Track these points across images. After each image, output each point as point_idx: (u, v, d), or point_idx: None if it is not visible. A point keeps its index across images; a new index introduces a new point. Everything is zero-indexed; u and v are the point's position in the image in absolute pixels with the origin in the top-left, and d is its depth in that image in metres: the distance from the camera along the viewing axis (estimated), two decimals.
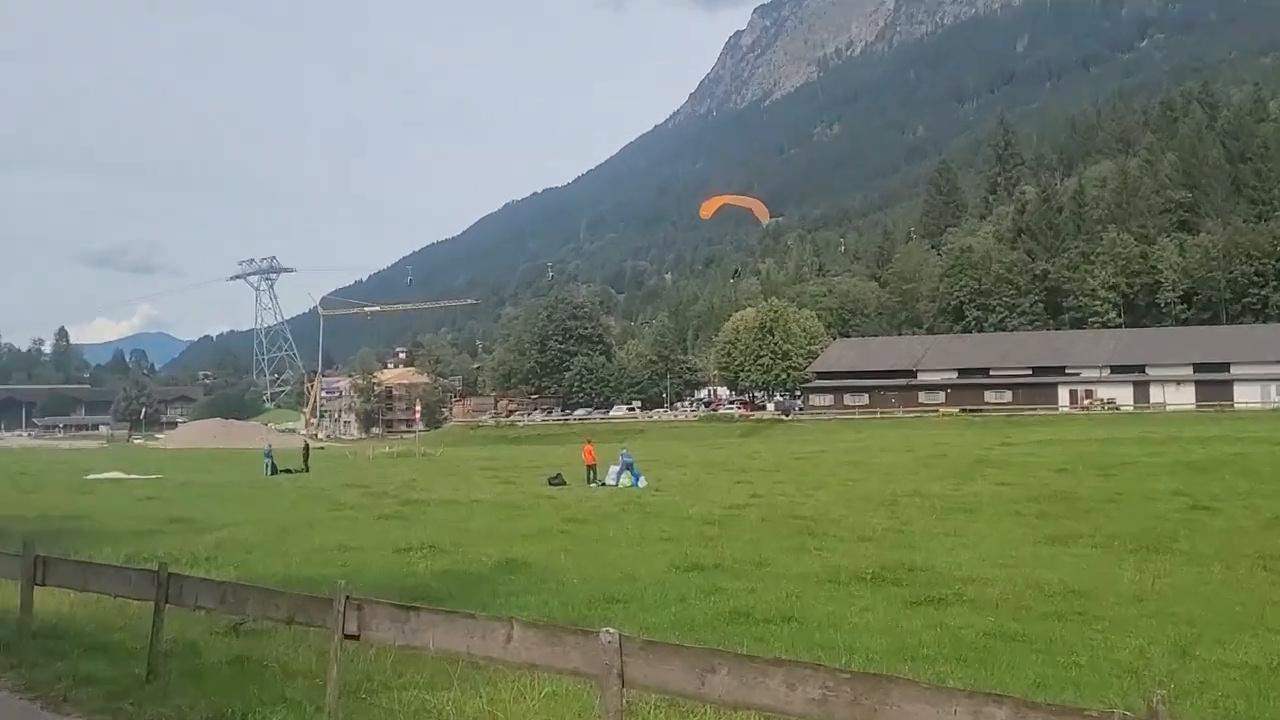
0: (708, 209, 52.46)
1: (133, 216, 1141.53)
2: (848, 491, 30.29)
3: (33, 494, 37.19)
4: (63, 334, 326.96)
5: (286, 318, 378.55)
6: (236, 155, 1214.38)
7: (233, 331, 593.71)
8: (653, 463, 48.44)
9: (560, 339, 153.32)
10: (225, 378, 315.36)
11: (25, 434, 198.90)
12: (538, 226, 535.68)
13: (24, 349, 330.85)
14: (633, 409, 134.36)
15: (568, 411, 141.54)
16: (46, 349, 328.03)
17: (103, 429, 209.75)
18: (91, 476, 48.16)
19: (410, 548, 18.93)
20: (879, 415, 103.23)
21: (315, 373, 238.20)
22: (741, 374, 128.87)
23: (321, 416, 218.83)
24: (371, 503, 30.39)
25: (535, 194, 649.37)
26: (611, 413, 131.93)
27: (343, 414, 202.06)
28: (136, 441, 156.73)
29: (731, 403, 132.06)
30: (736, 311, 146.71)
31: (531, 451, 79.79)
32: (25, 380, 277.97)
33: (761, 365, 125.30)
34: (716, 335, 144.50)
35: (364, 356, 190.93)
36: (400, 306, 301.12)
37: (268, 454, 55.93)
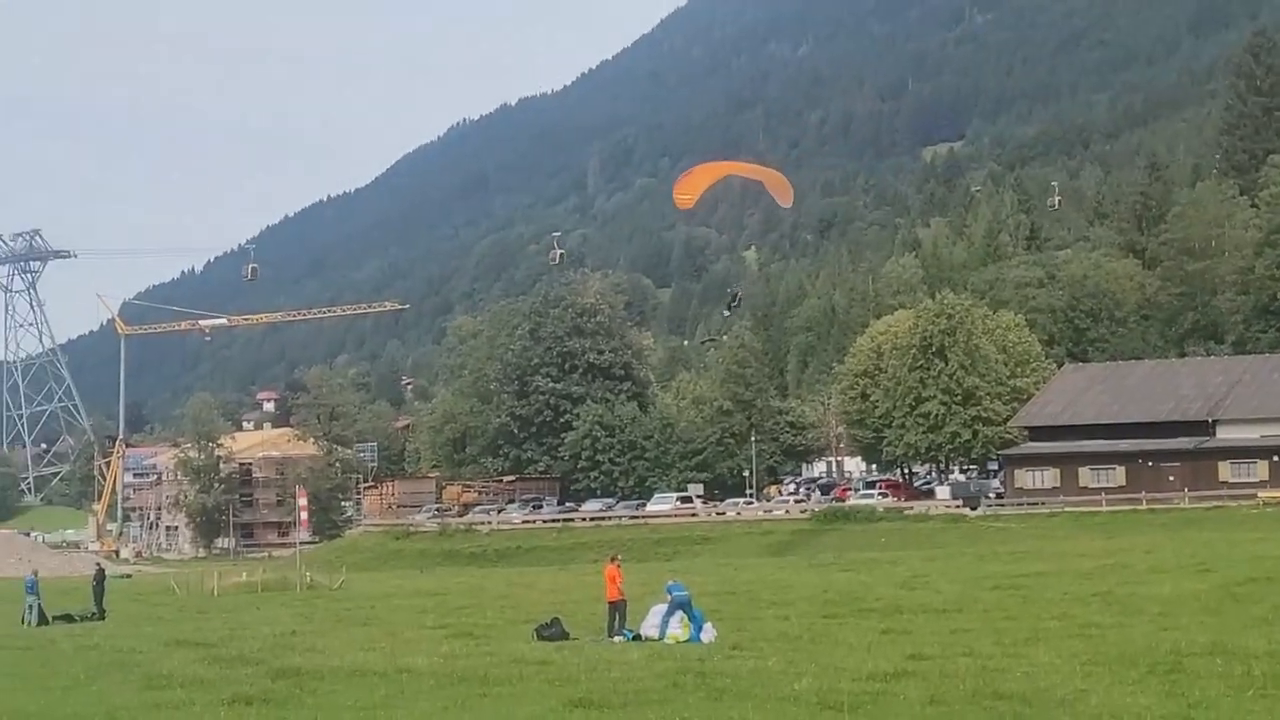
0: (688, 189, 52.51)
1: None
2: (1089, 648, 30.04)
3: None
4: None
5: (60, 341, 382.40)
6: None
7: None
8: (727, 598, 48.22)
9: (555, 371, 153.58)
10: None
11: None
12: (508, 166, 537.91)
13: None
14: (688, 500, 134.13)
15: (570, 505, 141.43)
16: None
17: None
18: None
19: None
20: (1145, 505, 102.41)
21: (114, 439, 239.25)
22: (888, 433, 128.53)
23: (126, 518, 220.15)
24: (219, 675, 30.40)
25: (502, 108, 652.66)
26: (651, 506, 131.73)
27: (164, 512, 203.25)
28: None
29: (871, 485, 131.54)
30: (878, 318, 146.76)
31: (505, 577, 79.79)
32: None
33: (925, 417, 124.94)
34: (841, 363, 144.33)
35: (199, 409, 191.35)
36: (264, 318, 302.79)
37: (31, 587, 56.25)
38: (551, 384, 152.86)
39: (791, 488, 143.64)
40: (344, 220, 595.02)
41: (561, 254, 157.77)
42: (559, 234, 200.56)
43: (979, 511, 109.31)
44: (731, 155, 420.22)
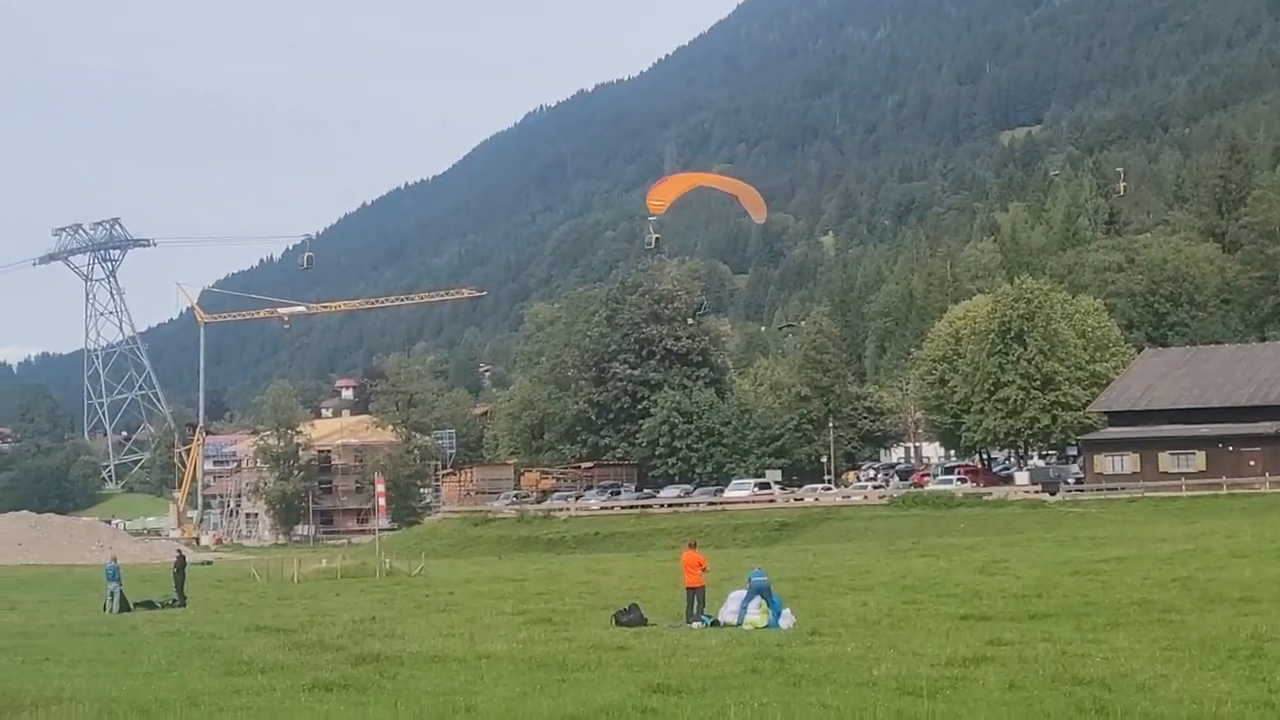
0: (660, 195, 53.99)
1: None
2: (1169, 633, 29.90)
3: None
4: None
5: (140, 329, 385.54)
6: (40, 47, 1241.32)
7: (45, 355, 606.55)
8: (806, 584, 48.18)
9: (632, 357, 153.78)
10: (34, 438, 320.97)
11: None
12: (585, 152, 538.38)
13: None
14: (767, 486, 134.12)
15: (648, 492, 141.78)
16: None
17: None
18: None
19: None
20: (1225, 490, 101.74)
21: (194, 427, 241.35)
22: (967, 418, 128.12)
23: (206, 505, 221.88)
24: (299, 661, 30.63)
25: (579, 95, 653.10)
26: (729, 493, 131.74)
27: (244, 499, 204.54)
28: None
29: (950, 471, 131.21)
30: (956, 303, 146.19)
31: (583, 564, 79.91)
32: None
33: (1004, 402, 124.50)
34: (919, 349, 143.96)
35: (279, 396, 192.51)
36: (342, 305, 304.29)
37: (112, 574, 56.73)
38: (629, 370, 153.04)
39: (870, 474, 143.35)
40: (422, 208, 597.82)
41: (657, 238, 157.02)
42: (655, 219, 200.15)
43: (1058, 497, 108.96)
44: (809, 141, 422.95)
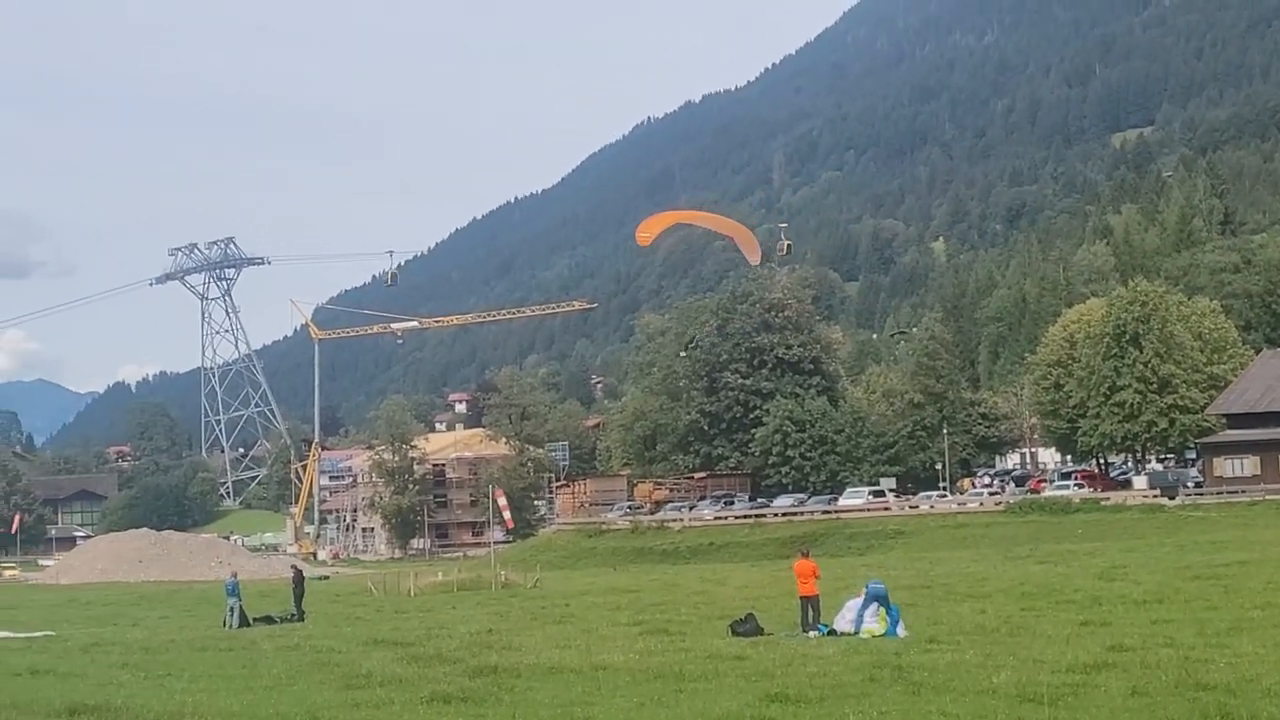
0: (647, 229, 55.08)
1: None
2: None
3: None
4: None
5: (256, 346, 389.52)
6: (163, 68, 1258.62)
7: (163, 374, 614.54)
8: (922, 592, 47.94)
9: (744, 366, 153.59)
10: (153, 456, 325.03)
11: None
12: (693, 162, 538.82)
13: None
14: (881, 494, 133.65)
15: (761, 501, 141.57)
16: None
17: None
18: None
19: None
20: None
21: (310, 443, 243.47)
22: (1083, 423, 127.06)
23: (322, 520, 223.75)
24: (417, 674, 30.84)
25: (686, 105, 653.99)
26: (843, 501, 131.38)
27: (360, 514, 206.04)
28: (8, 573, 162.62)
29: (1066, 476, 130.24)
30: (1070, 307, 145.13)
31: (698, 574, 79.93)
32: None
33: (1120, 406, 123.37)
34: (1033, 353, 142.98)
35: (393, 411, 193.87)
36: (455, 320, 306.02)
37: (232, 589, 57.32)
38: (741, 380, 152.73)
39: (985, 480, 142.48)
40: (532, 221, 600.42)
41: (789, 244, 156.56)
42: (785, 225, 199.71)
43: (1177, 501, 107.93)
44: (918, 146, 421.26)
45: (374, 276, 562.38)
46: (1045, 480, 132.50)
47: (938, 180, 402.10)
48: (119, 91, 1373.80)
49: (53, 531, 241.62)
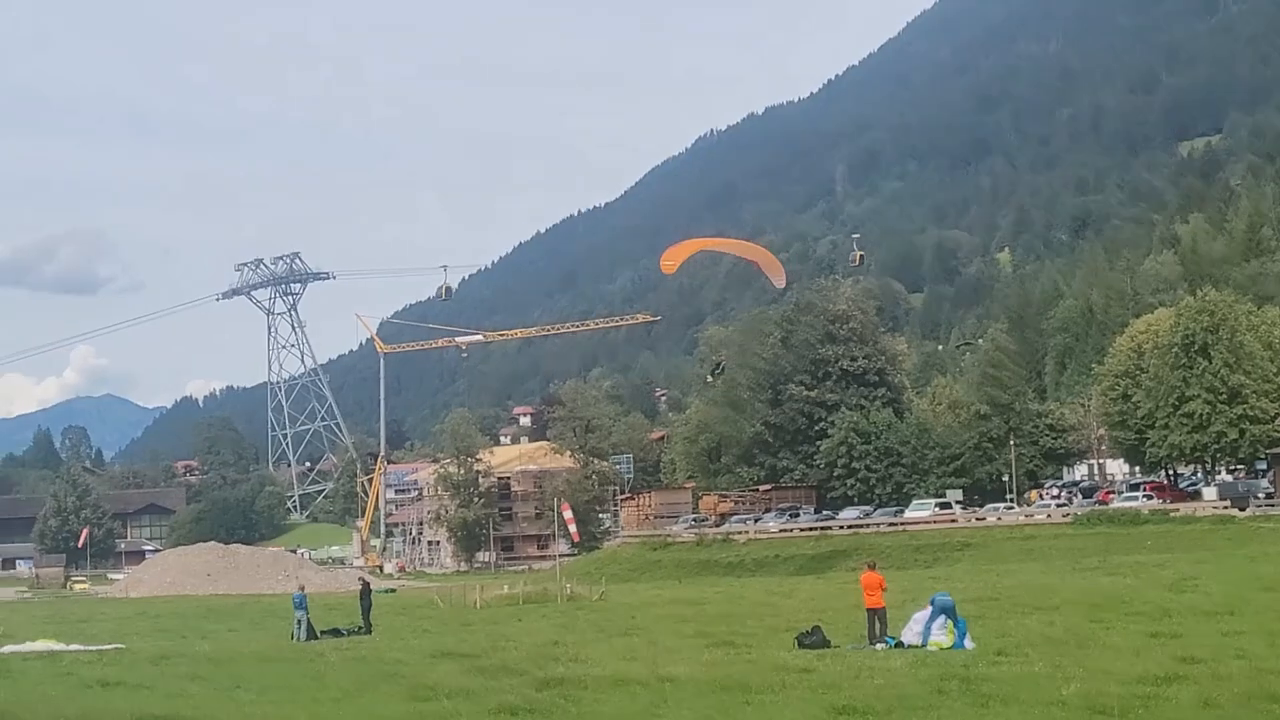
0: (672, 257, 56.14)
1: (51, 194, 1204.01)
2: None
3: None
4: None
5: (321, 361, 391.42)
6: (223, 86, 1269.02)
7: (230, 389, 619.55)
8: (989, 604, 47.77)
9: (808, 378, 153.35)
10: (221, 470, 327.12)
11: None
12: (755, 174, 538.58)
13: None
14: (948, 505, 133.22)
15: (827, 513, 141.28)
16: None
17: (21, 566, 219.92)
18: (7, 650, 50.41)
19: None
20: None
21: (376, 457, 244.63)
22: (1151, 434, 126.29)
23: (388, 534, 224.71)
24: (484, 686, 30.91)
25: (749, 118, 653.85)
26: (909, 513, 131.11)
27: (425, 527, 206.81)
28: (78, 587, 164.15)
29: (1135, 488, 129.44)
30: (1137, 317, 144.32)
31: (763, 587, 79.83)
32: None
33: (1189, 416, 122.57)
34: (1100, 364, 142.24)
35: (458, 424, 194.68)
36: (518, 333, 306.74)
37: (299, 603, 57.62)
38: (805, 392, 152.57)
39: (1053, 492, 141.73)
40: (595, 234, 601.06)
41: (862, 254, 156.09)
42: (858, 235, 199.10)
43: (1248, 512, 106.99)
44: (982, 156, 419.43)
45: (438, 290, 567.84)
46: (1113, 492, 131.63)
47: (1002, 190, 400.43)
48: (187, 112, 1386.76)
49: (122, 545, 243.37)
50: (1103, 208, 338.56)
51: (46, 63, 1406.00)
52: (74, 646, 51.57)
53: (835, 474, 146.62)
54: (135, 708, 28.75)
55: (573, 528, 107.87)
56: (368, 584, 67.21)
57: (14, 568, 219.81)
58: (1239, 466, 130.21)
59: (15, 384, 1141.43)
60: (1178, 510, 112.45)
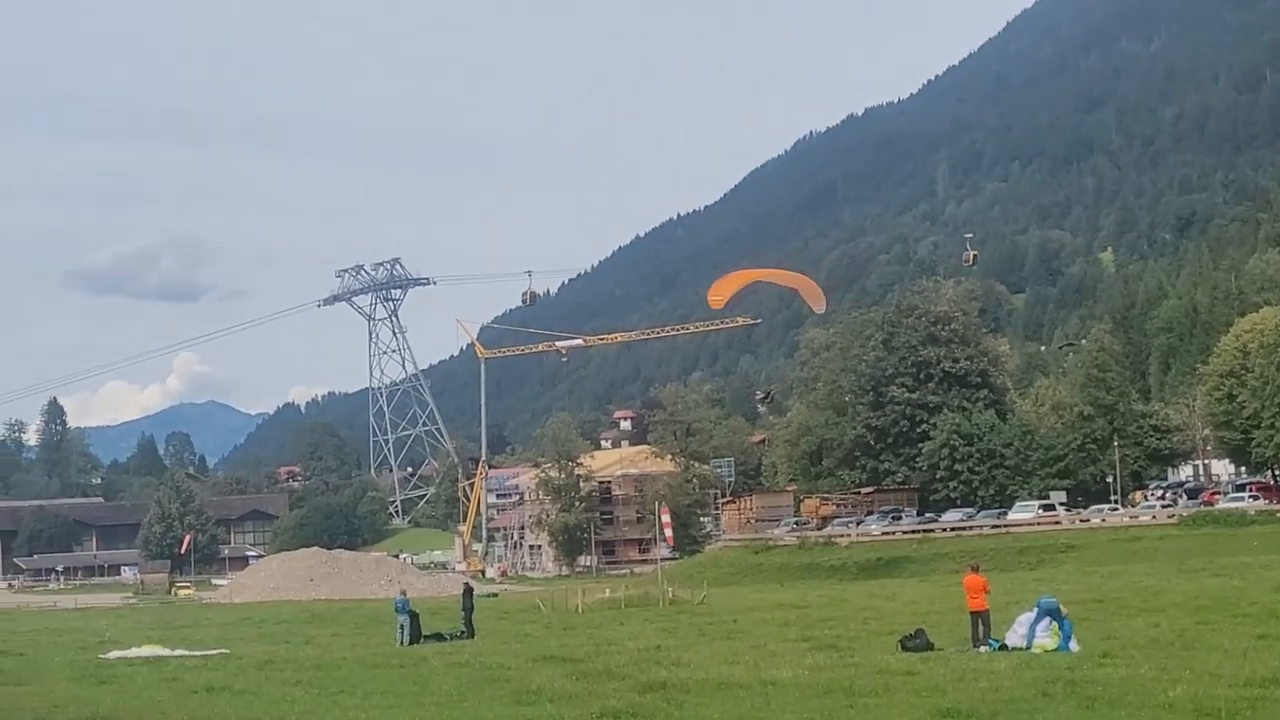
0: (719, 291, 57.40)
1: (153, 204, 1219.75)
2: None
3: (21, 687, 39.62)
4: (54, 411, 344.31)
5: (422, 366, 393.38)
6: (322, 92, 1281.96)
7: (332, 394, 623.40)
8: (1094, 606, 47.45)
9: (910, 380, 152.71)
10: (323, 475, 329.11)
11: (2, 584, 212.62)
12: (855, 176, 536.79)
13: None
14: (1051, 507, 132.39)
15: (929, 516, 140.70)
16: (29, 438, 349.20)
17: (126, 572, 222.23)
18: (114, 655, 51.01)
19: None
20: None
21: (477, 462, 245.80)
22: (1258, 434, 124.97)
23: (490, 538, 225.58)
24: (586, 690, 30.99)
25: (848, 119, 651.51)
26: (1013, 515, 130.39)
27: (527, 531, 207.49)
28: (183, 592, 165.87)
29: (1241, 488, 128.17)
30: (1243, 316, 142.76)
31: (866, 590, 79.65)
32: None
33: None
34: (1205, 364, 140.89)
35: (559, 429, 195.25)
36: (619, 337, 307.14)
37: (402, 607, 57.93)
38: (907, 394, 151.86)
39: (1158, 493, 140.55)
40: (694, 237, 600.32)
41: (975, 254, 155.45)
42: (970, 235, 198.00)
43: None
44: (1084, 156, 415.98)
45: (523, 296, 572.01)
46: (1219, 492, 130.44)
47: (1105, 190, 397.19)
48: (288, 120, 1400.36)
49: (225, 551, 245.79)
50: (1207, 207, 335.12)
51: (147, 73, 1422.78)
52: (179, 652, 52.10)
53: (938, 476, 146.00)
54: (240, 713, 29.03)
55: (668, 532, 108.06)
56: (471, 588, 67.54)
57: (119, 574, 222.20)
58: None
59: (120, 391, 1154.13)
60: None
